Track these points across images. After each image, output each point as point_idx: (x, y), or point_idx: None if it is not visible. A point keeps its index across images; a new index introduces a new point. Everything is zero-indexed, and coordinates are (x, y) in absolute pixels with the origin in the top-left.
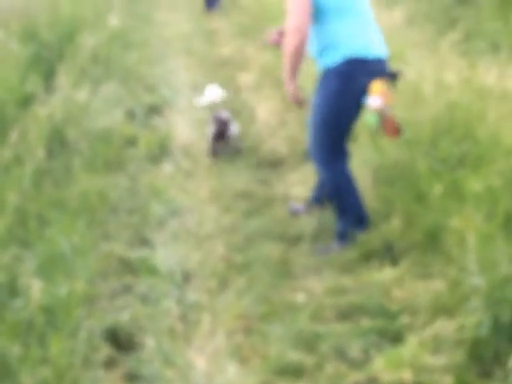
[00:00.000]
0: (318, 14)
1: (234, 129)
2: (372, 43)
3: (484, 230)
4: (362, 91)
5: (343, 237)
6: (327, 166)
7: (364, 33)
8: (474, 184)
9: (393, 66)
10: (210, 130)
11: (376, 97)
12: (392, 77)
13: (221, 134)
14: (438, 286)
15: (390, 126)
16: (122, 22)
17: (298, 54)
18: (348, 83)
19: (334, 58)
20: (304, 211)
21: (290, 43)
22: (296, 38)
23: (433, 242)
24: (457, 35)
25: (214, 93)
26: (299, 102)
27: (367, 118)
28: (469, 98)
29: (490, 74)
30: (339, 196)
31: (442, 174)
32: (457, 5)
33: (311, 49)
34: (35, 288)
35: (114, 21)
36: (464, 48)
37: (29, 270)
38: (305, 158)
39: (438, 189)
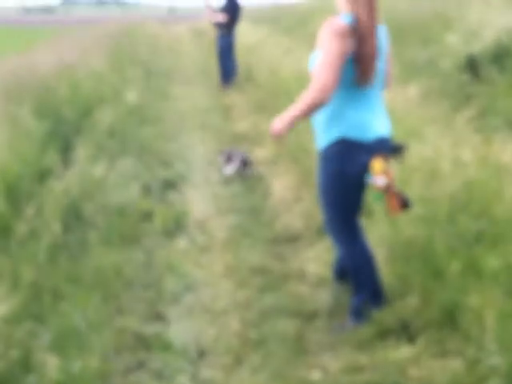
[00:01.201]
0: None
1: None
2: (371, 123)
3: (503, 308)
4: (362, 170)
5: (358, 313)
6: (342, 243)
7: (363, 112)
8: (492, 261)
9: (397, 140)
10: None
11: (379, 176)
12: (396, 151)
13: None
14: (455, 365)
15: (395, 203)
16: (138, 97)
17: (314, 110)
18: (345, 164)
19: (330, 138)
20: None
21: (311, 97)
22: (319, 95)
23: (450, 319)
24: (472, 112)
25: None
26: (277, 137)
27: (372, 197)
28: (485, 175)
29: (506, 151)
30: (355, 272)
31: (459, 250)
32: (471, 82)
33: (314, 123)
34: (49, 364)
35: (130, 96)
36: (479, 124)
37: (43, 346)
38: (320, 233)
39: (455, 266)
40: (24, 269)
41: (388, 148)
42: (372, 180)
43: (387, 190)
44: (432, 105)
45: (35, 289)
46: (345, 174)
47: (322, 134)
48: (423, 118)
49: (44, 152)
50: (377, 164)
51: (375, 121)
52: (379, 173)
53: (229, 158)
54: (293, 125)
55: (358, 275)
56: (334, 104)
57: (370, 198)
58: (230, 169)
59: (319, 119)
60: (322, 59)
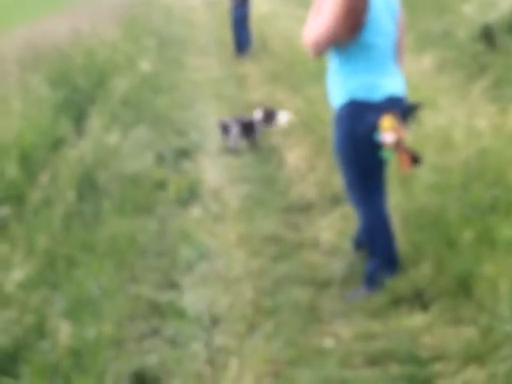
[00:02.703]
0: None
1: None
2: (384, 82)
3: None
4: (372, 129)
5: (371, 280)
6: (361, 205)
7: (374, 73)
8: (507, 230)
9: (412, 100)
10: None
11: (387, 133)
12: (411, 110)
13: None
14: (469, 332)
15: (406, 159)
16: (152, 66)
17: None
18: (355, 124)
19: (342, 100)
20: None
21: (319, 38)
22: (323, 41)
23: (464, 288)
24: (487, 82)
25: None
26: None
27: (383, 154)
28: (500, 144)
29: None
30: (372, 236)
31: (473, 219)
32: (486, 51)
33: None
34: (63, 330)
35: (144, 65)
36: (494, 94)
37: (57, 312)
38: (334, 202)
39: (469, 234)
40: (38, 236)
41: (401, 107)
42: (381, 137)
43: (397, 147)
44: (447, 75)
45: (50, 256)
46: (355, 135)
47: (335, 95)
48: (438, 88)
49: (58, 121)
50: (385, 121)
51: (386, 81)
52: (388, 129)
53: (225, 129)
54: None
55: (373, 238)
56: (346, 66)
57: (382, 156)
58: (231, 141)
59: (332, 81)
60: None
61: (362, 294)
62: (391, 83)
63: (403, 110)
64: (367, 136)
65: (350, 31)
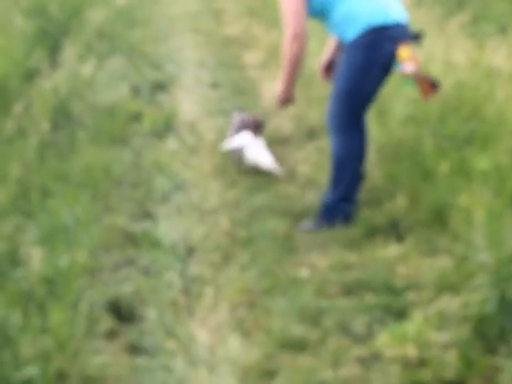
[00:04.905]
0: None
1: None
2: (389, 9)
3: (491, 207)
4: (389, 58)
5: (327, 212)
6: (342, 135)
7: (379, 1)
8: (482, 162)
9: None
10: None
11: (407, 62)
12: (415, 38)
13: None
14: (443, 262)
15: (426, 86)
16: None
17: (299, 61)
18: (373, 53)
19: (355, 31)
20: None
21: (289, 51)
22: (296, 46)
23: (439, 219)
24: (465, 17)
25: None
26: (286, 104)
27: (404, 85)
28: (477, 78)
29: (497, 56)
30: (341, 168)
31: (449, 151)
32: None
33: (329, 27)
34: (36, 258)
35: None
36: (472, 30)
37: (30, 240)
38: (311, 135)
39: (444, 166)
40: (11, 165)
41: (408, 35)
42: (400, 68)
43: (417, 75)
44: (425, 10)
45: (23, 185)
46: (372, 64)
47: (346, 29)
48: (415, 23)
49: (32, 52)
50: (403, 51)
51: (391, 7)
52: (407, 59)
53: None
54: (292, 86)
55: (340, 171)
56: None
57: (403, 86)
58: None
59: (337, 18)
60: (284, 8)
61: (316, 225)
62: (396, 10)
63: (410, 38)
64: (382, 66)
65: None
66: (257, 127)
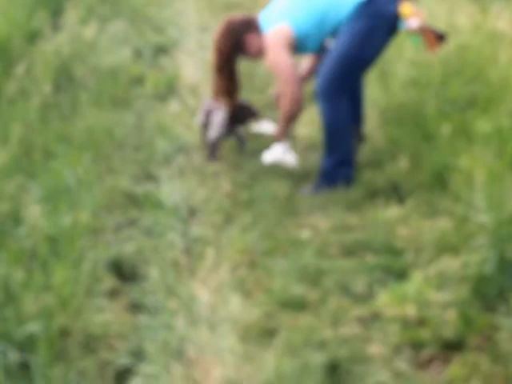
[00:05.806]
0: None
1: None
2: None
3: (492, 168)
4: (392, 19)
5: (326, 177)
6: (327, 102)
7: None
8: (483, 124)
9: None
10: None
11: (411, 18)
12: None
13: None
14: (443, 223)
15: (432, 39)
16: None
17: (296, 116)
18: (377, 19)
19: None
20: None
21: (289, 109)
22: (294, 108)
23: (440, 181)
24: None
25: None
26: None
27: (410, 41)
28: (480, 41)
29: (501, 19)
30: (333, 134)
31: (450, 114)
32: None
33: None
34: (39, 217)
35: None
36: None
37: (33, 200)
38: (313, 99)
39: (446, 129)
40: (14, 126)
41: None
42: (405, 25)
43: (423, 29)
44: None
45: (26, 146)
46: (376, 29)
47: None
48: None
49: (34, 14)
50: (405, 8)
51: None
52: (410, 16)
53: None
54: (290, 128)
55: (334, 137)
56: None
57: (410, 42)
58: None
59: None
60: (279, 71)
61: (317, 190)
62: None
63: None
64: (388, 28)
65: None
66: (246, 114)
